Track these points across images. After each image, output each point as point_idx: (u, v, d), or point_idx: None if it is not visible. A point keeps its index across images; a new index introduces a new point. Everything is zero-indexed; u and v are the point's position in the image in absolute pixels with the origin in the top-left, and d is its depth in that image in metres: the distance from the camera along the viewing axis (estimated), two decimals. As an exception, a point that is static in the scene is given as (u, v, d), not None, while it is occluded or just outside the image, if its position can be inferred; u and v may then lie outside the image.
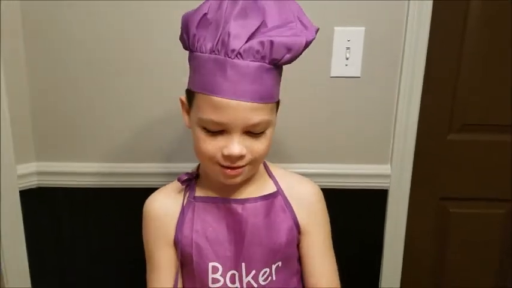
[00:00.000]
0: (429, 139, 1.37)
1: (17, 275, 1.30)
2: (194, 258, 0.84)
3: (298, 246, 0.91)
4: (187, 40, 0.76)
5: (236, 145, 0.74)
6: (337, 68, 1.24)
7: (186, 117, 0.83)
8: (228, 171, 0.77)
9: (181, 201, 0.86)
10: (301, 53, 0.76)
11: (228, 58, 0.71)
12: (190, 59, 0.78)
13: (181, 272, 0.88)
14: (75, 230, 1.35)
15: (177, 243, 0.85)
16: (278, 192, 0.88)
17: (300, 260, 0.92)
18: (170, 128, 1.28)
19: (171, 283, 0.86)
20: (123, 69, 1.23)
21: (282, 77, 0.81)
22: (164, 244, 0.86)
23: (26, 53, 1.21)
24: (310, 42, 0.76)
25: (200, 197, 0.86)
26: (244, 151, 0.75)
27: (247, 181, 0.86)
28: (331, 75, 1.25)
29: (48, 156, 1.29)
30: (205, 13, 0.73)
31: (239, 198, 0.85)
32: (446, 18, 1.28)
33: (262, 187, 0.88)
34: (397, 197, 1.36)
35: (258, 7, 0.72)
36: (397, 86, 1.27)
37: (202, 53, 0.73)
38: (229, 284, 0.85)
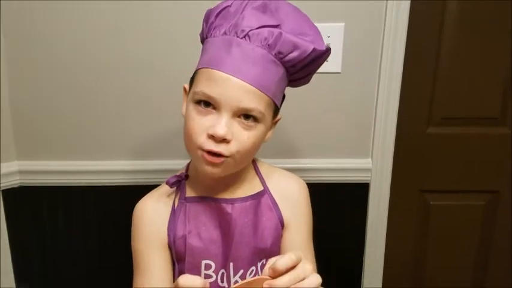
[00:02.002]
0: (409, 133, 1.39)
1: (1, 274, 1.30)
2: (187, 258, 0.84)
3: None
4: (205, 29, 0.79)
5: (223, 125, 0.72)
6: (318, 64, 1.26)
7: (184, 104, 0.83)
8: (209, 156, 0.74)
9: (172, 203, 0.86)
10: (307, 62, 0.77)
11: (235, 37, 0.73)
12: (203, 47, 0.80)
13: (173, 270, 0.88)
14: (58, 229, 1.35)
15: (170, 245, 0.84)
16: (265, 191, 0.88)
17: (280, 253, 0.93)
18: (155, 125, 1.29)
19: (162, 283, 0.84)
20: (105, 66, 1.23)
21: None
22: (156, 248, 0.85)
23: (5, 51, 1.20)
24: (320, 53, 0.77)
25: (191, 197, 0.85)
26: (229, 135, 0.73)
27: (236, 180, 0.85)
28: (312, 71, 1.26)
29: (30, 155, 1.29)
30: (228, 6, 0.76)
31: (229, 198, 0.85)
32: (424, 13, 1.29)
33: (250, 186, 0.88)
34: (378, 190, 1.38)
35: (278, 13, 0.76)
36: (377, 80, 1.29)
37: (215, 36, 0.76)
38: (220, 283, 0.85)
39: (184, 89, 0.83)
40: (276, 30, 0.73)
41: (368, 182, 1.37)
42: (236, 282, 0.85)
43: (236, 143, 0.75)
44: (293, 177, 0.94)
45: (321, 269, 0.93)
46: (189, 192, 0.86)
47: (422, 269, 1.56)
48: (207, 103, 0.74)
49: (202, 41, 0.81)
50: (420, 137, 1.42)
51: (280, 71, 0.76)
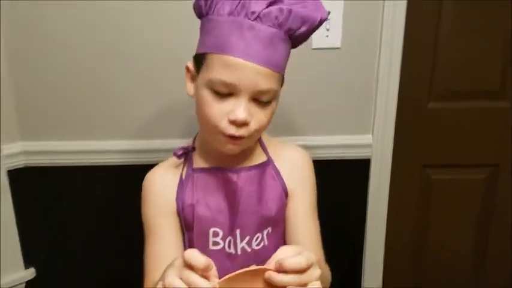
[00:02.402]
0: (410, 108, 1.40)
1: (9, 254, 1.32)
2: (195, 226, 0.86)
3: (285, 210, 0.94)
4: (203, 5, 0.77)
5: (243, 110, 0.74)
6: (318, 40, 1.25)
7: (189, 84, 0.83)
8: (230, 140, 0.77)
9: (180, 174, 0.88)
10: (314, 30, 0.78)
11: (247, 19, 0.72)
12: (204, 24, 0.79)
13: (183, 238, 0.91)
14: (63, 209, 1.37)
15: (179, 214, 0.87)
16: (269, 162, 0.90)
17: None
18: (158, 105, 1.30)
19: (173, 250, 0.87)
20: (107, 46, 1.24)
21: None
22: (166, 215, 0.88)
23: (7, 30, 1.21)
24: (324, 20, 0.77)
25: (198, 168, 0.88)
26: (249, 118, 0.75)
27: (244, 152, 0.87)
28: (313, 47, 1.26)
29: (33, 136, 1.30)
30: None
31: (234, 167, 0.87)
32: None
33: (254, 157, 0.90)
34: (379, 165, 1.39)
35: None
36: (377, 55, 1.29)
37: (220, 15, 0.74)
38: (227, 249, 0.88)
39: (188, 68, 0.82)
40: (284, 8, 0.73)
41: (369, 157, 1.38)
42: (243, 248, 0.88)
43: (254, 123, 0.77)
44: (296, 149, 0.96)
45: (322, 245, 0.96)
46: (196, 164, 0.89)
47: (423, 242, 1.58)
48: (222, 92, 0.75)
49: (200, 15, 0.80)
50: (421, 112, 1.42)
51: (288, 46, 0.78)
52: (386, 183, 1.42)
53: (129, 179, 1.30)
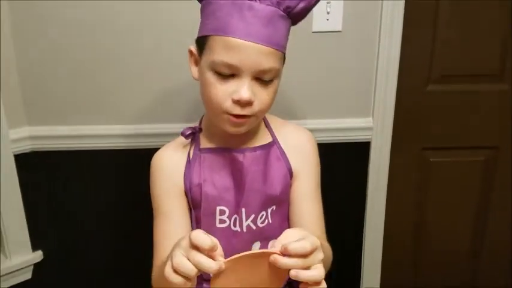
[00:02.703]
0: (409, 91, 1.41)
1: (17, 239, 1.35)
2: (203, 204, 0.89)
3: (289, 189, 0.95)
4: None
5: (246, 89, 0.76)
6: (319, 23, 1.27)
7: (193, 68, 0.85)
8: (235, 119, 0.79)
9: (187, 154, 0.90)
10: (312, 7, 0.80)
11: (245, 0, 0.74)
12: (204, 7, 0.80)
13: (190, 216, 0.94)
14: (70, 193, 1.39)
15: (187, 193, 0.89)
16: (274, 142, 0.93)
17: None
18: (165, 89, 1.31)
19: (181, 228, 0.89)
20: (113, 30, 1.25)
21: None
22: (173, 194, 0.90)
23: (11, 14, 1.22)
24: None
25: (205, 149, 0.90)
26: (253, 97, 0.77)
27: (248, 131, 0.88)
28: (313, 31, 1.28)
29: (40, 120, 1.32)
30: None
31: (240, 147, 0.90)
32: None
33: (260, 137, 0.92)
34: (379, 148, 1.41)
35: None
36: (377, 39, 1.30)
37: None
38: (232, 227, 0.91)
39: (191, 52, 0.84)
40: None
41: (369, 140, 1.40)
42: (248, 226, 0.90)
43: (258, 102, 0.79)
44: (301, 129, 0.98)
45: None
46: (203, 144, 0.91)
47: (423, 225, 1.60)
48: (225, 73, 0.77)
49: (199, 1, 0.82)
50: (420, 94, 1.44)
51: (288, 23, 0.79)
52: (386, 166, 1.44)
53: (135, 162, 1.33)
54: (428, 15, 1.35)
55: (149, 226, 1.31)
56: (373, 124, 1.38)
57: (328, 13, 1.25)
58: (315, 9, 1.21)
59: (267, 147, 0.92)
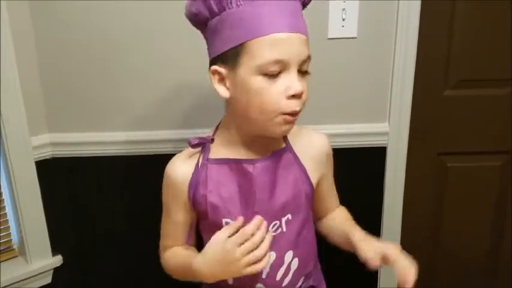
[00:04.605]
0: (426, 96, 1.41)
1: (38, 243, 1.37)
2: (209, 216, 0.89)
3: (308, 195, 0.95)
4: (213, 5, 0.77)
5: (298, 82, 0.77)
6: (334, 30, 1.28)
7: (220, 87, 0.82)
8: (291, 117, 0.79)
9: (196, 164, 0.90)
10: None
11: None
12: (221, 22, 0.78)
13: (199, 226, 0.96)
14: (90, 198, 1.42)
15: (193, 203, 0.90)
16: (286, 148, 0.92)
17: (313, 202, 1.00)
18: (183, 96, 1.33)
19: (182, 232, 0.96)
20: (135, 40, 1.27)
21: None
22: (181, 205, 0.92)
23: (34, 24, 1.25)
24: None
25: (213, 159, 0.89)
26: (304, 87, 0.78)
27: (264, 140, 0.88)
28: (329, 37, 1.29)
29: (60, 127, 1.34)
30: None
31: (249, 158, 0.88)
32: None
33: (272, 144, 0.91)
34: (395, 153, 1.41)
35: None
36: (393, 44, 1.31)
37: (240, 5, 0.76)
38: None
39: (216, 71, 0.81)
40: None
41: (385, 145, 1.40)
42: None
43: (304, 95, 0.80)
44: (314, 132, 0.98)
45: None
46: (213, 154, 0.90)
47: (439, 230, 1.60)
48: (276, 71, 0.76)
49: (212, 17, 0.79)
50: (437, 100, 1.43)
51: (302, 10, 0.82)
52: (403, 171, 1.44)
53: (152, 168, 1.34)
54: (444, 21, 1.35)
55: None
56: (390, 129, 1.38)
57: (343, 19, 1.26)
58: (330, 15, 1.25)
59: (279, 153, 0.91)
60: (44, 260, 1.39)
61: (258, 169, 0.88)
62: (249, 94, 0.78)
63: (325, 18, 1.27)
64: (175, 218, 0.95)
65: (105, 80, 1.30)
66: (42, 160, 1.33)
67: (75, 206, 1.42)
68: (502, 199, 1.55)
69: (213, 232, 0.88)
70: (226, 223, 0.89)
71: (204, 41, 0.85)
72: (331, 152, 0.98)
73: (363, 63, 1.32)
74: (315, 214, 1.02)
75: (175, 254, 0.96)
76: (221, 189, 0.88)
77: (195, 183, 0.89)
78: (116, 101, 1.33)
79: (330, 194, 1.04)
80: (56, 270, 1.42)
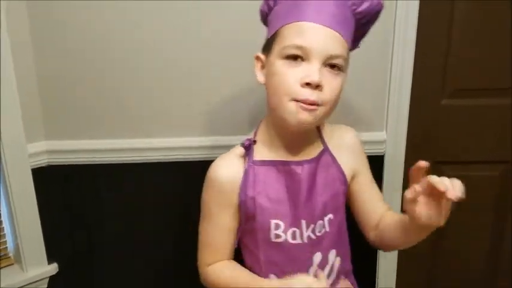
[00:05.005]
0: (423, 105, 1.41)
1: (33, 251, 1.37)
2: (257, 217, 0.91)
3: (344, 195, 0.98)
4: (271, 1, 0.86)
5: (316, 72, 0.78)
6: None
7: (259, 72, 0.89)
8: (305, 106, 0.80)
9: (242, 166, 0.92)
10: (372, 15, 0.86)
11: None
12: (271, 17, 0.87)
13: (241, 229, 0.96)
14: (86, 206, 1.41)
15: (241, 205, 0.91)
16: (325, 149, 0.96)
17: (352, 204, 1.02)
18: (181, 103, 1.32)
19: (226, 239, 0.94)
20: (131, 47, 1.27)
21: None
22: (226, 207, 0.92)
23: (32, 32, 1.24)
24: (379, 9, 0.86)
25: (259, 161, 0.92)
26: (322, 81, 0.79)
27: (303, 142, 0.93)
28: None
29: (57, 135, 1.33)
30: None
31: (297, 160, 0.92)
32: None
33: (314, 147, 0.95)
34: (393, 162, 1.41)
35: None
36: (390, 53, 1.31)
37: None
38: (290, 241, 0.92)
39: (258, 57, 0.88)
40: None
41: (383, 154, 1.40)
42: (308, 236, 0.92)
43: (327, 90, 0.81)
44: (344, 128, 1.03)
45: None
46: (257, 156, 0.92)
47: (438, 239, 1.57)
48: (296, 57, 0.80)
49: (266, 15, 0.89)
50: (434, 109, 1.43)
51: (352, 23, 0.84)
52: (400, 179, 1.44)
53: (149, 176, 1.34)
54: (441, 29, 1.35)
55: (164, 239, 1.33)
56: (387, 138, 1.38)
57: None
58: None
59: (321, 155, 0.94)
60: (40, 268, 1.38)
61: (306, 170, 0.91)
62: (271, 77, 0.84)
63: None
64: (220, 223, 0.94)
65: (103, 87, 1.30)
66: (38, 168, 1.32)
67: (71, 214, 1.41)
68: (501, 209, 1.54)
69: (256, 234, 0.91)
70: (276, 224, 0.91)
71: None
72: (361, 146, 1.02)
73: (361, 71, 1.31)
74: (365, 225, 1.01)
75: (230, 269, 0.94)
76: (269, 191, 0.91)
77: (244, 186, 0.90)
78: (112, 109, 1.32)
79: (372, 192, 1.01)
80: (52, 279, 1.41)
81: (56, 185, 1.37)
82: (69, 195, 1.39)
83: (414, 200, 0.75)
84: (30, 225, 1.34)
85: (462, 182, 1.51)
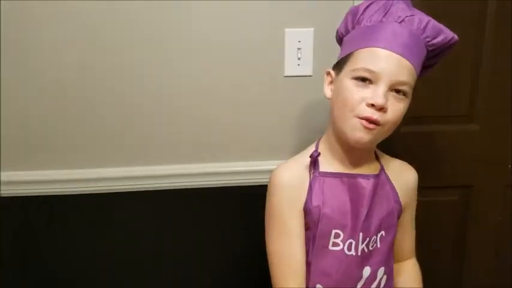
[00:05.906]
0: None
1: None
2: (320, 226, 0.93)
3: (398, 215, 1.03)
4: (349, 23, 0.93)
5: (381, 95, 0.84)
6: (290, 68, 1.30)
7: (327, 87, 0.97)
8: (366, 123, 0.86)
9: (308, 175, 0.96)
10: (446, 48, 0.93)
11: (394, 22, 0.87)
12: (348, 36, 0.94)
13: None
14: (41, 239, 1.36)
15: (306, 213, 0.94)
16: (382, 170, 1.01)
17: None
18: (146, 131, 1.31)
19: (299, 249, 0.95)
20: (90, 78, 1.25)
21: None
22: (296, 212, 0.95)
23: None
24: (454, 43, 0.93)
25: (325, 172, 0.96)
26: (387, 104, 0.85)
27: (364, 159, 0.99)
28: (285, 75, 1.31)
29: (12, 166, 1.30)
30: (372, 3, 0.91)
31: (363, 173, 0.97)
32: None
33: (373, 165, 1.01)
34: (354, 188, 1.41)
35: (416, 10, 0.92)
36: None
37: (369, 23, 0.89)
38: (346, 251, 0.94)
39: (329, 73, 0.97)
40: (425, 17, 0.89)
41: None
42: (362, 249, 0.95)
43: (390, 113, 0.87)
44: (406, 165, 1.11)
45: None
46: (323, 167, 0.96)
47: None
48: (364, 79, 0.86)
49: (342, 36, 0.97)
50: (394, 136, 1.44)
51: (424, 54, 0.91)
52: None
53: (113, 206, 1.32)
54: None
55: (132, 273, 1.30)
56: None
57: (299, 59, 1.29)
58: (286, 54, 1.27)
59: (380, 173, 0.99)
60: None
61: (371, 185, 0.96)
62: (339, 93, 0.91)
63: (281, 57, 1.29)
64: (292, 229, 0.94)
65: (60, 116, 1.27)
66: (-7, 199, 1.28)
67: (25, 248, 1.36)
68: (460, 233, 1.57)
69: (314, 241, 0.93)
70: (336, 233, 0.94)
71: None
72: (416, 188, 1.09)
73: (319, 100, 1.33)
74: None
75: None
76: (333, 201, 0.94)
77: (310, 194, 0.94)
78: (71, 138, 1.29)
79: (408, 231, 1.09)
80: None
81: (12, 216, 1.33)
82: (26, 226, 1.34)
83: None
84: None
85: (422, 207, 1.55)
